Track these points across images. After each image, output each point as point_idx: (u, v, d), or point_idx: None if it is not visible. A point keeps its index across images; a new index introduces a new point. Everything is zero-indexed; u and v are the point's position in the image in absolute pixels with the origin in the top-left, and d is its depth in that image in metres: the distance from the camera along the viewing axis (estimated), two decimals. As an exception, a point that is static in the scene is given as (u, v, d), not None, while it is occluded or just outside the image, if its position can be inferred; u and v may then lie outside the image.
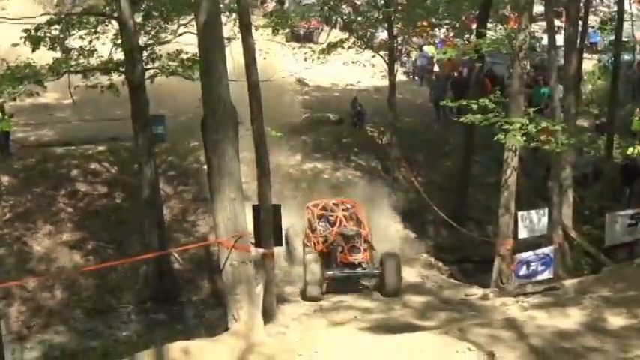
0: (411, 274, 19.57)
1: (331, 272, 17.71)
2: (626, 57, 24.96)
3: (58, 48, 19.12)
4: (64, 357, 15.22)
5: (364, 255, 17.91)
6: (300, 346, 12.55)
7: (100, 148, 21.90)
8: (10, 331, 15.67)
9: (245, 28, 15.39)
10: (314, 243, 18.88)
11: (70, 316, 17.65)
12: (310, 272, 17.13)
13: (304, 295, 17.30)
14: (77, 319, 17.46)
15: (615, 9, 24.26)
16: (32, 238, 19.44)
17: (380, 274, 17.51)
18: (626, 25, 24.70)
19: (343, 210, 19.54)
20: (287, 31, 28.10)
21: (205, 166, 16.10)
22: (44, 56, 18.76)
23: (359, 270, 17.79)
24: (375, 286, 17.73)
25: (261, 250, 15.52)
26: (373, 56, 24.93)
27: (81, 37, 19.65)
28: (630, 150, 22.27)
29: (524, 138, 17.21)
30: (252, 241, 15.13)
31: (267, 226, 15.17)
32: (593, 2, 25.05)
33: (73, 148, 21.93)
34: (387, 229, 21.55)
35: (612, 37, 24.06)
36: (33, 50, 18.55)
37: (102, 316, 17.30)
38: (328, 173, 22.90)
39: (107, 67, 19.35)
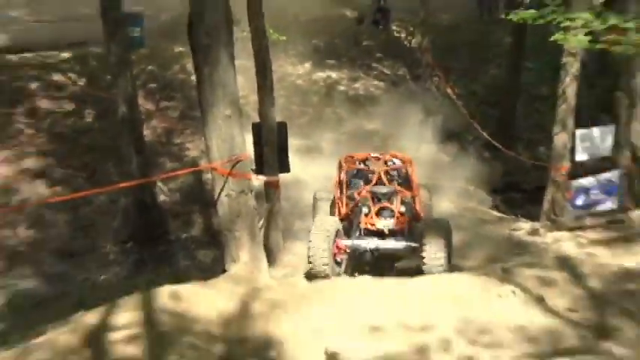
0: (445, 206, 19.77)
1: (346, 242, 14.93)
2: None
3: None
4: (31, 305, 15.38)
5: (399, 221, 15.23)
6: (314, 291, 12.85)
7: (64, 55, 22.16)
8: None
9: None
10: (339, 207, 16.82)
11: (37, 258, 17.74)
12: (315, 241, 14.14)
13: (309, 274, 14.28)
14: (46, 262, 17.57)
15: None
16: (16, 163, 19.76)
17: (419, 249, 14.38)
18: None
19: (388, 166, 17.20)
20: None
21: (194, 77, 16.26)
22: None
23: (389, 243, 14.95)
24: (415, 267, 14.56)
25: (263, 178, 15.75)
26: None
27: None
28: None
29: (589, 38, 17.34)
30: (253, 166, 15.34)
31: (271, 149, 15.39)
32: None
33: (30, 55, 22.15)
34: (417, 152, 21.61)
35: None
36: None
37: (75, 258, 17.40)
38: (345, 84, 22.95)
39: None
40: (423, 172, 20.59)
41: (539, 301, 13.45)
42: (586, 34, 16.83)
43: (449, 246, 14.60)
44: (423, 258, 14.22)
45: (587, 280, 14.61)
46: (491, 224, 18.88)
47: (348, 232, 15.53)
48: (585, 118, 19.42)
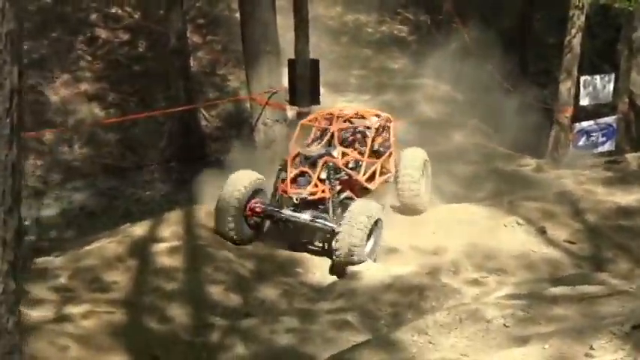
0: (458, 141, 19.62)
1: (259, 205, 11.98)
2: None
3: None
4: (83, 215, 15.42)
5: (320, 190, 11.74)
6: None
7: (119, -8, 21.71)
8: (25, 186, 15.98)
9: None
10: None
11: (89, 173, 17.86)
12: (222, 201, 11.85)
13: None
14: (97, 177, 17.65)
15: None
16: (48, 87, 19.56)
17: (335, 232, 11.24)
18: None
19: (349, 126, 13.46)
20: None
21: (238, 14, 16.10)
22: None
23: (301, 216, 11.63)
24: (328, 249, 11.61)
25: (296, 109, 15.61)
26: None
27: None
28: None
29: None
30: (287, 98, 15.25)
31: (304, 83, 15.22)
32: None
33: (90, -8, 21.76)
34: (434, 90, 21.53)
35: None
36: None
37: (123, 174, 17.47)
38: (372, 26, 22.69)
39: None
40: (440, 109, 20.49)
41: (541, 232, 13.34)
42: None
43: (377, 236, 11.60)
44: (334, 247, 11.22)
45: (585, 214, 14.47)
46: (499, 160, 18.59)
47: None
48: (588, 66, 19.12)
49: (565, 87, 18.19)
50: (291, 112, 15.21)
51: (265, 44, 14.56)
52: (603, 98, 18.96)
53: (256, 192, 12.11)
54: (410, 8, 23.36)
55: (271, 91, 14.49)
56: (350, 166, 12.45)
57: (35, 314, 9.99)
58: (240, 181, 11.94)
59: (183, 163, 17.43)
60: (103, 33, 21.00)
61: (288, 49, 15.54)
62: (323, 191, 11.76)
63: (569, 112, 18.26)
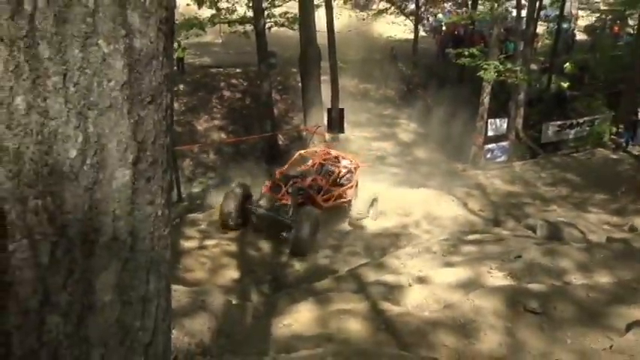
0: (420, 154, 19.61)
1: (250, 206, 10.86)
2: (564, 25, 24.33)
3: (214, 7, 19.13)
4: (213, 192, 15.46)
5: (285, 198, 10.67)
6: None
7: (238, 70, 21.81)
8: (183, 176, 16.17)
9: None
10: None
11: (217, 167, 17.95)
12: (225, 201, 10.87)
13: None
14: (221, 169, 17.58)
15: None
16: (197, 122, 19.65)
17: (293, 226, 10.16)
18: (567, 4, 24.25)
19: (326, 163, 12.15)
20: (352, 1, 27.44)
21: (300, 84, 16.19)
22: (205, 12, 18.87)
23: (268, 213, 10.61)
24: (290, 240, 10.25)
25: (330, 135, 15.69)
26: (405, 19, 24.69)
27: (226, 1, 19.69)
28: (562, 84, 22.01)
29: (496, 74, 17.08)
30: (326, 129, 15.32)
31: (335, 121, 15.27)
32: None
33: (221, 69, 21.85)
34: (407, 126, 21.34)
35: (557, 12, 23.29)
36: (199, 7, 18.68)
37: (234, 168, 17.02)
38: (373, 90, 22.66)
39: (243, 20, 19.32)
40: (410, 137, 20.50)
41: (465, 204, 13.30)
42: (495, 72, 16.79)
43: (314, 233, 10.33)
44: (292, 241, 10.16)
45: (490, 195, 14.43)
46: (443, 164, 18.54)
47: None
48: (492, 113, 18.90)
49: (479, 124, 18.20)
50: (328, 136, 15.26)
51: (315, 100, 14.60)
52: (501, 132, 19.04)
53: (247, 196, 11.01)
54: (396, 81, 23.19)
55: (317, 126, 14.52)
56: (314, 188, 10.99)
57: (187, 245, 10.15)
58: (236, 190, 10.99)
59: (268, 163, 17.30)
60: (227, 93, 21.02)
61: (326, 102, 15.63)
62: (286, 200, 10.59)
63: (481, 138, 18.21)
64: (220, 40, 23.35)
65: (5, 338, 1.10)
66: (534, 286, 5.88)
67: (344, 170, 12.16)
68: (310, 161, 12.26)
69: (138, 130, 1.16)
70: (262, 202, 10.84)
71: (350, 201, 11.88)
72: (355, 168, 12.38)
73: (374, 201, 12.01)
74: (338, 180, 11.93)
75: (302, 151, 12.94)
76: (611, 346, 4.26)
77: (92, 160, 1.10)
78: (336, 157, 12.49)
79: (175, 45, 20.49)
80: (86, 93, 1.08)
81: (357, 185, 12.18)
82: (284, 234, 10.30)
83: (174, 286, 5.53)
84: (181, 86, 19.97)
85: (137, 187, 1.17)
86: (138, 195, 1.18)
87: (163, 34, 1.18)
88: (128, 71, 1.12)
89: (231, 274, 9.38)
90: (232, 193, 10.94)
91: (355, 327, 5.41)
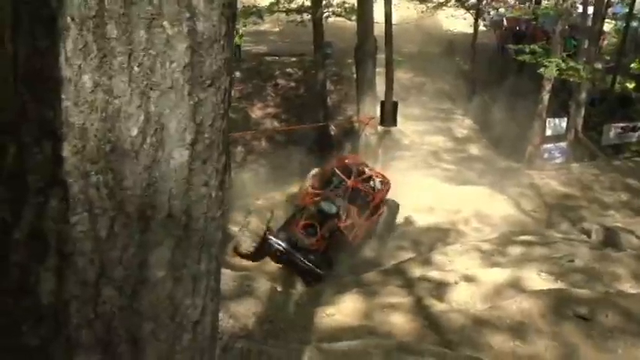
0: (473, 152, 19.27)
1: (271, 237, 8.97)
2: (633, 24, 23.46)
3: (270, -4, 19.41)
4: (265, 179, 15.52)
5: (318, 244, 9.02)
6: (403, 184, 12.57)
7: (293, 59, 21.88)
8: (234, 161, 16.34)
9: (386, -10, 15.16)
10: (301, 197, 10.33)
11: (268, 154, 17.92)
12: (250, 222, 8.97)
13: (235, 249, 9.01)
14: (272, 157, 17.57)
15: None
16: (251, 109, 19.87)
17: (320, 277, 8.62)
18: (638, 1, 23.36)
19: (359, 188, 10.18)
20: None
21: (355, 75, 16.13)
22: (264, 0, 19.07)
23: (294, 258, 8.80)
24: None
25: (383, 128, 15.63)
26: (465, 12, 24.27)
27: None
28: (627, 85, 21.37)
29: (558, 72, 16.63)
30: (379, 122, 15.25)
31: (389, 114, 15.19)
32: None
33: (277, 58, 22.00)
34: (462, 122, 21.02)
35: (627, 10, 22.49)
36: (258, -4, 18.97)
37: (286, 154, 16.99)
38: (430, 82, 22.27)
39: (300, 9, 19.43)
40: (465, 132, 20.13)
41: (517, 204, 13.07)
42: (557, 70, 16.35)
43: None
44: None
45: (544, 197, 14.14)
46: (498, 162, 18.14)
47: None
48: (552, 113, 18.41)
49: (538, 124, 17.76)
50: (380, 129, 15.20)
51: (369, 92, 14.57)
52: (560, 132, 18.49)
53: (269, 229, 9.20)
54: (452, 76, 22.76)
55: (370, 117, 14.50)
56: (349, 230, 9.55)
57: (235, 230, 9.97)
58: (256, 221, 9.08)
59: (320, 155, 17.21)
60: (282, 82, 21.14)
61: (380, 95, 15.53)
62: (318, 246, 9.01)
63: (538, 138, 17.80)
64: (278, 29, 23.49)
65: (64, 306, 1.14)
66: (585, 292, 5.75)
67: (377, 195, 10.45)
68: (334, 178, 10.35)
69: (197, 111, 1.18)
70: (282, 237, 9.07)
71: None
72: (387, 189, 10.80)
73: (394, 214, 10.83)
74: (373, 207, 10.34)
75: (326, 167, 11.11)
76: (663, 358, 4.12)
77: (152, 139, 1.14)
78: (369, 177, 10.65)
79: (233, 32, 20.79)
80: (149, 73, 1.11)
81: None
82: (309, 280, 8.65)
83: (222, 270, 5.60)
84: (237, 73, 20.19)
85: (193, 168, 1.20)
86: (194, 176, 1.20)
87: (225, 19, 1.19)
88: (190, 53, 1.15)
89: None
90: (255, 224, 8.99)
91: (398, 321, 5.40)
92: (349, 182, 10.15)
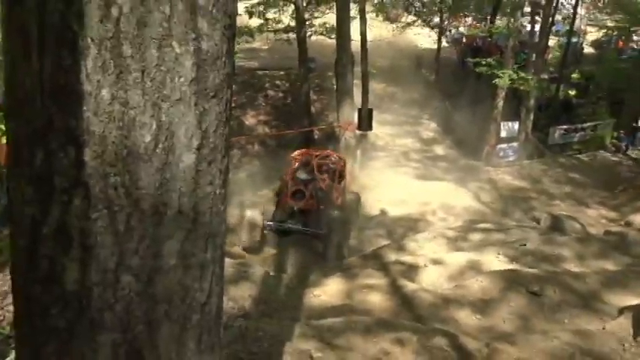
0: (439, 151, 19.34)
1: (269, 222, 8.90)
2: (574, 39, 23.71)
3: (262, 17, 19.16)
4: (259, 179, 15.36)
5: (310, 204, 8.95)
6: (378, 182, 12.65)
7: (281, 73, 21.78)
8: (231, 163, 16.05)
9: (361, 11, 15.12)
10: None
11: (261, 156, 17.79)
12: (247, 219, 8.81)
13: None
14: (265, 159, 17.44)
15: (572, 10, 22.78)
16: (244, 117, 19.63)
17: (324, 235, 8.50)
18: (577, 20, 23.67)
19: (322, 162, 10.17)
20: (384, 14, 27.13)
21: (335, 86, 16.10)
22: (254, 21, 18.92)
23: (297, 226, 8.74)
24: (329, 251, 8.48)
25: (360, 132, 15.61)
26: (430, 31, 24.37)
27: (273, 12, 19.70)
28: (569, 93, 21.57)
29: (510, 81, 16.74)
30: (357, 127, 15.23)
31: (365, 119, 15.17)
32: (559, 6, 23.30)
33: (267, 72, 21.86)
34: (428, 125, 21.04)
35: (567, 27, 22.74)
36: (249, 18, 18.72)
37: (274, 156, 16.82)
38: (400, 92, 22.24)
39: (286, 29, 19.35)
40: (431, 135, 20.19)
41: (477, 197, 13.13)
42: (509, 80, 16.60)
43: (346, 237, 9.16)
44: (326, 248, 8.49)
45: (500, 190, 14.24)
46: (460, 160, 18.25)
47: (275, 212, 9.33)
48: (506, 117, 18.57)
49: (493, 126, 17.90)
50: (357, 133, 15.20)
51: (347, 100, 14.54)
52: (513, 133, 18.57)
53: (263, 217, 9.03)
54: (420, 86, 22.77)
55: (349, 122, 14.48)
56: (330, 188, 9.57)
57: (233, 222, 9.96)
58: (254, 215, 8.92)
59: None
60: (271, 93, 21.03)
61: (358, 103, 15.52)
62: (312, 204, 8.93)
63: (494, 139, 17.91)
64: (267, 46, 23.38)
65: (87, 292, 1.14)
66: (536, 271, 5.81)
67: (338, 165, 10.45)
68: (297, 164, 10.20)
69: (202, 120, 1.18)
70: (279, 215, 8.91)
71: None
72: (344, 162, 10.81)
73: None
74: (339, 176, 10.35)
75: (292, 155, 10.93)
76: (604, 328, 4.18)
77: (164, 144, 1.13)
78: (327, 155, 10.64)
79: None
80: (160, 87, 1.11)
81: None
82: (326, 248, 8.44)
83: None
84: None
85: (200, 169, 1.20)
86: (200, 176, 1.20)
87: (227, 38, 1.20)
88: (196, 69, 1.15)
89: (270, 249, 9.42)
90: (252, 219, 8.73)
91: (376, 300, 5.42)
92: (313, 160, 10.05)
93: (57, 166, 1.09)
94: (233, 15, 1.21)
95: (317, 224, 8.70)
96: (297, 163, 10.10)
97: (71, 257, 1.12)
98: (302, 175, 9.51)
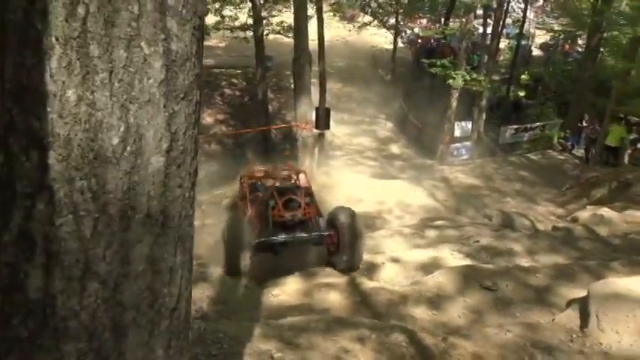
0: (394, 150, 19.55)
1: (261, 239, 6.61)
2: (523, 42, 24.47)
3: (219, 15, 18.91)
4: (212, 175, 14.97)
5: (306, 211, 6.96)
6: (336, 183, 12.66)
7: (238, 71, 21.56)
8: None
9: (319, 11, 15.11)
10: (243, 210, 7.75)
11: (218, 156, 17.45)
12: (230, 240, 6.47)
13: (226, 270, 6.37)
14: (222, 158, 17.22)
15: (521, 14, 23.48)
16: (213, 116, 19.41)
17: (331, 237, 6.71)
18: (526, 24, 24.41)
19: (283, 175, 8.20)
20: (341, 14, 27.25)
21: (292, 85, 16.02)
22: (210, 19, 18.64)
23: (299, 234, 6.74)
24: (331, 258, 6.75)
25: (317, 131, 15.58)
26: (386, 31, 24.63)
27: (230, 10, 19.47)
28: (519, 93, 22.17)
29: (463, 82, 17.08)
30: (314, 126, 15.19)
31: (322, 119, 15.14)
32: (510, 9, 23.96)
33: (223, 70, 21.58)
34: (385, 124, 21.21)
35: (517, 30, 23.44)
36: (206, 15, 18.40)
37: (231, 156, 16.92)
38: (357, 91, 22.31)
39: (243, 27, 19.17)
40: (387, 134, 20.41)
41: (432, 195, 13.34)
42: (462, 80, 16.77)
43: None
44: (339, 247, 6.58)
45: (454, 188, 14.51)
46: (415, 159, 18.51)
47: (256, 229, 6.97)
48: (459, 117, 18.86)
49: (447, 126, 18.11)
50: (315, 132, 15.18)
51: (305, 99, 14.49)
52: (466, 133, 18.85)
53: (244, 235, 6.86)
54: (376, 85, 22.91)
55: (306, 122, 14.44)
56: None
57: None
58: (236, 232, 6.62)
59: (263, 154, 17.08)
60: (228, 91, 20.81)
61: (315, 102, 15.50)
62: (309, 212, 6.99)
63: (448, 138, 18.20)
64: (223, 44, 23.07)
65: (51, 300, 1.10)
66: (489, 267, 5.95)
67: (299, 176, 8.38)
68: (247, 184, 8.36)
69: (172, 122, 1.16)
70: (269, 231, 6.84)
71: None
72: (302, 173, 8.63)
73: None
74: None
75: (242, 174, 9.02)
76: (553, 320, 4.34)
77: (132, 147, 1.10)
78: (289, 176, 8.35)
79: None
80: (128, 88, 1.08)
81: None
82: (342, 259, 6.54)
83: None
84: (188, 83, 19.72)
85: (169, 172, 1.17)
86: (169, 179, 1.18)
87: (196, 39, 1.18)
88: (165, 71, 1.12)
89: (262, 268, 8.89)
90: (233, 236, 6.55)
91: (335, 299, 5.44)
92: (278, 176, 8.24)
93: (19, 170, 1.05)
94: (202, 16, 1.19)
95: (318, 231, 7.02)
96: (247, 184, 8.26)
97: (34, 264, 1.08)
98: (285, 184, 7.65)
